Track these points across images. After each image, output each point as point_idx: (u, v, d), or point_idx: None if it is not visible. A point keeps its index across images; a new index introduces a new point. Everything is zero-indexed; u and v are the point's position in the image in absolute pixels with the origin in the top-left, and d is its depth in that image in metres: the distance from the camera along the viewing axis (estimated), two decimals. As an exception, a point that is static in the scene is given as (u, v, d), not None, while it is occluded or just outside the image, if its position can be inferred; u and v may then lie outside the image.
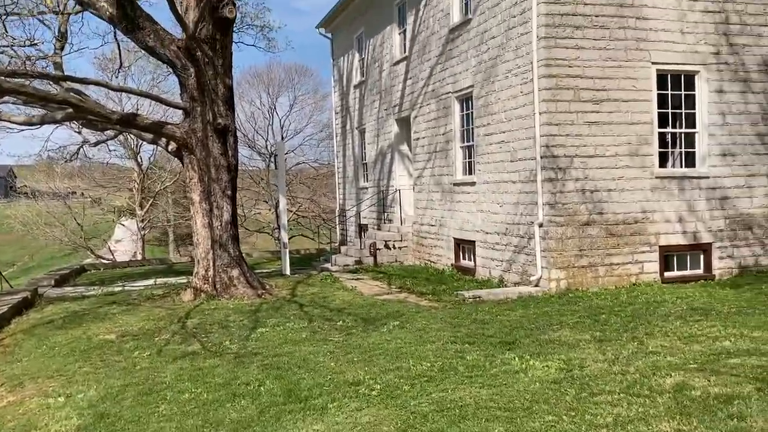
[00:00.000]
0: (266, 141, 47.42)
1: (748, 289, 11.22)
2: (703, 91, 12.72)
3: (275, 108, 48.30)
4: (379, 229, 19.96)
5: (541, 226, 12.06)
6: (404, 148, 19.31)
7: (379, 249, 17.68)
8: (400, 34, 19.01)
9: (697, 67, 12.65)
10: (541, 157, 11.99)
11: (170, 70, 13.75)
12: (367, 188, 21.91)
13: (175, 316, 11.39)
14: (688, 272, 12.76)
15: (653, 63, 12.40)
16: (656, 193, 12.46)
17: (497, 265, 13.65)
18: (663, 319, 9.07)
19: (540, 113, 11.98)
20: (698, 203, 12.70)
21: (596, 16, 12.09)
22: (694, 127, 12.82)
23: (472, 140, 14.76)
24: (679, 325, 8.63)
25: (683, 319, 8.98)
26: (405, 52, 18.47)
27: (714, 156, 12.80)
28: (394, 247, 18.00)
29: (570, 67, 12.00)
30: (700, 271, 12.81)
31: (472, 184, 14.67)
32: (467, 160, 15.26)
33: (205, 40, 13.02)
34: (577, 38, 12.01)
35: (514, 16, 12.78)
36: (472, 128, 14.71)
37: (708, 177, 12.76)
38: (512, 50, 12.90)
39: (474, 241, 14.64)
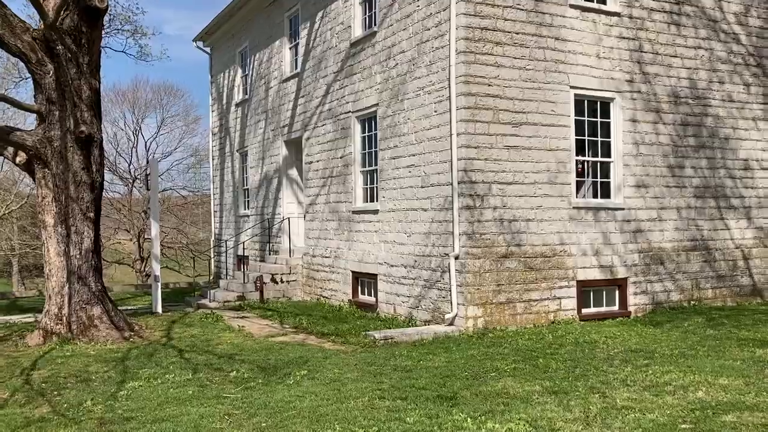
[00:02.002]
0: (129, 164, 43.81)
1: (671, 328, 10.61)
2: (618, 119, 12.25)
3: (141, 129, 44.83)
4: (263, 261, 18.11)
5: (457, 258, 10.90)
6: (294, 172, 17.71)
7: (266, 283, 15.85)
8: (291, 48, 17.54)
9: (612, 94, 12.17)
10: (459, 183, 10.89)
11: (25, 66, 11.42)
12: (248, 216, 20.01)
13: (16, 366, 9.07)
14: (604, 309, 12.08)
15: (571, 87, 11.76)
16: (573, 224, 11.73)
17: (404, 302, 12.33)
18: (607, 364, 8.08)
19: (457, 134, 10.92)
20: (614, 236, 12.11)
21: (516, 34, 11.29)
22: (610, 156, 12.29)
23: (376, 164, 13.48)
24: (631, 371, 7.65)
25: (630, 364, 8.02)
26: (297, 68, 17.01)
27: (628, 187, 12.31)
28: (282, 281, 16.24)
29: (489, 85, 11.06)
30: (616, 308, 12.17)
31: (375, 212, 13.34)
32: (369, 186, 13.94)
33: (69, 31, 10.89)
34: (497, 55, 11.12)
35: (428, 29, 11.73)
36: (376, 151, 13.45)
37: (623, 208, 12.23)
38: (425, 66, 11.82)
39: (376, 275, 13.25)
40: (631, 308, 12.14)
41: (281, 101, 17.76)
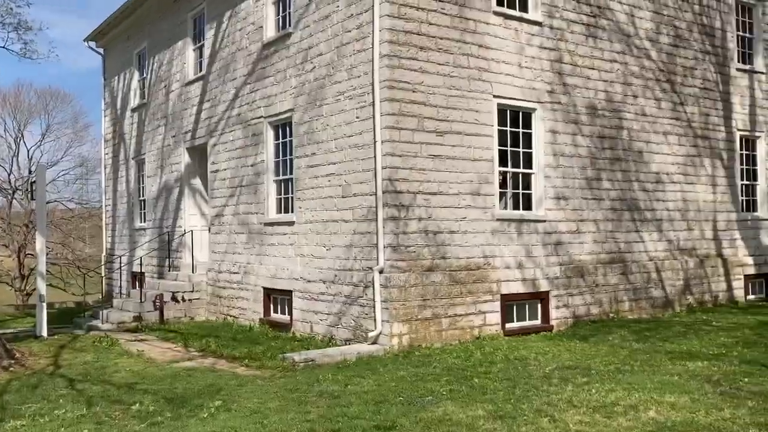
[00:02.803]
0: (9, 174, 40.41)
1: (597, 342, 10.43)
2: (539, 130, 12.07)
3: (23, 136, 41.49)
4: (162, 278, 16.78)
5: (381, 272, 10.27)
6: (197, 182, 16.56)
7: (166, 302, 14.61)
8: (195, 50, 16.44)
9: (534, 105, 12.00)
10: (383, 192, 10.29)
11: None
12: (145, 230, 18.57)
13: None
14: (527, 323, 11.80)
15: (495, 96, 11.48)
16: (497, 237, 11.40)
17: (322, 319, 11.56)
18: (546, 383, 7.66)
19: (382, 142, 10.33)
20: (535, 248, 11.89)
21: (441, 39, 10.88)
22: (531, 167, 12.09)
23: (291, 173, 12.67)
24: (573, 390, 7.26)
25: (570, 382, 7.64)
26: (202, 70, 15.94)
27: (549, 199, 12.15)
28: (184, 300, 15.03)
29: (414, 92, 10.57)
30: (538, 322, 11.93)
31: (291, 223, 12.52)
32: (284, 196, 13.10)
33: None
34: (422, 60, 10.66)
35: (349, 31, 11.12)
36: (292, 159, 12.65)
37: (544, 221, 12.04)
38: (346, 69, 11.19)
39: (291, 291, 12.41)
40: (553, 322, 11.94)
41: (184, 106, 16.59)
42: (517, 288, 11.56)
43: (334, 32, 11.50)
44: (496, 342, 10.59)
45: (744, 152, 15.61)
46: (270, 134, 13.34)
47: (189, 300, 15.09)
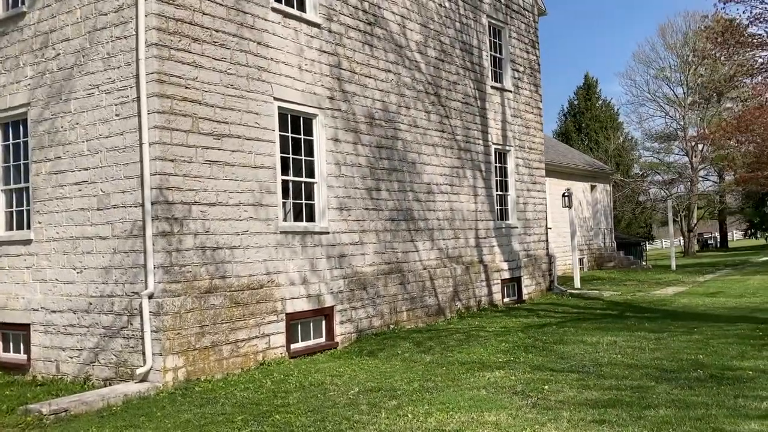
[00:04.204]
0: None
1: (388, 357, 10.03)
2: (321, 137, 11.45)
3: None
4: None
5: (151, 297, 8.76)
6: None
7: None
8: None
9: (315, 110, 11.35)
10: (153, 204, 8.81)
11: None
12: None
13: None
14: (312, 342, 11.05)
15: (276, 99, 10.59)
16: (281, 251, 10.50)
17: (73, 357, 9.60)
18: (355, 410, 6.96)
19: (150, 144, 8.86)
20: (320, 262, 11.22)
21: (216, 31, 9.71)
22: (314, 176, 11.41)
23: (27, 181, 10.45)
24: (388, 417, 6.64)
25: (380, 407, 7.02)
26: None
27: (332, 209, 11.57)
28: None
29: (188, 88, 9.26)
30: (323, 340, 11.25)
31: (27, 242, 10.30)
32: (17, 208, 10.77)
33: None
34: (196, 53, 9.39)
35: (105, 14, 9.43)
36: (27, 164, 10.43)
37: (328, 232, 11.42)
38: (101, 58, 9.47)
39: (28, 325, 10.18)
40: (338, 338, 11.35)
41: None
42: (302, 305, 10.77)
43: (84, 14, 9.69)
44: (284, 366, 9.68)
45: (498, 165, 16.65)
46: (-3, 134, 10.93)
47: None
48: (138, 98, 8.97)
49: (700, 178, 49.72)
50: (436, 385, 7.94)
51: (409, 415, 6.60)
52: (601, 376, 7.95)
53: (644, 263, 30.74)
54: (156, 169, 8.82)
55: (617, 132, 56.41)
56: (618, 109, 64.17)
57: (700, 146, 45.99)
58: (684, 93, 48.11)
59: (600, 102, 58.85)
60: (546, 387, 7.49)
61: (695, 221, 48.38)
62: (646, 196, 54.96)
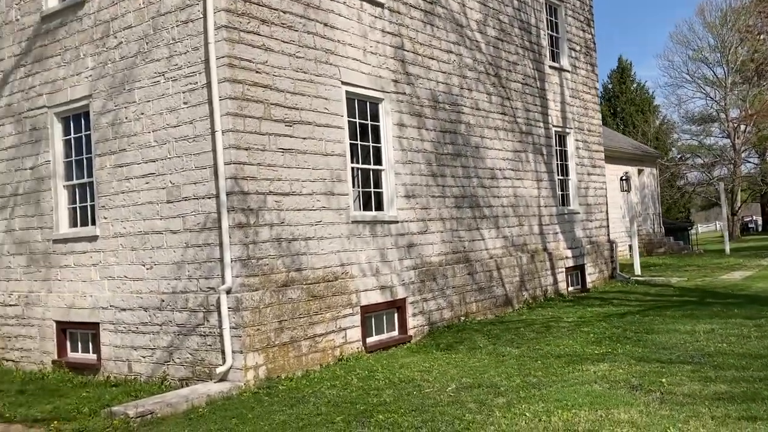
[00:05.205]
0: None
1: (469, 350, 9.54)
2: (387, 122, 10.96)
3: None
4: None
5: (229, 292, 8.36)
6: (-53, 192, 12.92)
7: None
8: (-61, 24, 12.82)
9: (381, 94, 10.86)
10: (228, 194, 8.40)
11: None
12: None
13: None
14: (385, 336, 10.60)
15: (343, 83, 10.12)
16: (352, 241, 10.05)
17: (146, 356, 9.26)
18: (464, 410, 6.48)
19: (223, 132, 8.44)
20: (390, 252, 10.75)
21: (284, 12, 9.26)
22: (381, 163, 10.92)
23: (90, 175, 10.12)
24: (505, 416, 6.15)
25: (491, 406, 6.54)
26: (-50, 50, 12.44)
27: (400, 197, 11.08)
28: (-62, 344, 11.52)
29: (258, 72, 8.82)
30: (396, 333, 10.79)
31: (92, 238, 9.98)
32: (80, 204, 10.45)
33: None
34: (265, 36, 8.95)
35: (170, -3, 9.03)
36: (90, 158, 10.10)
37: (397, 221, 10.95)
38: (166, 44, 9.07)
39: (97, 324, 9.87)
40: (411, 332, 10.88)
41: (-76, 95, 12.84)
42: (376, 297, 10.32)
43: (147, 0, 9.30)
44: (363, 362, 9.24)
45: (558, 148, 16.02)
46: (57, 128, 10.61)
47: (-56, 345, 11.59)
48: (208, 84, 8.56)
49: (742, 160, 48.35)
50: (539, 380, 7.43)
51: (527, 414, 6.10)
52: (717, 367, 7.38)
53: (695, 248, 29.84)
54: (230, 158, 8.40)
55: (654, 115, 55.13)
56: (653, 92, 62.82)
57: (742, 127, 44.68)
58: (724, 73, 46.75)
59: (635, 85, 57.55)
60: (664, 380, 6.94)
61: (739, 204, 47.10)
62: (685, 180, 53.70)
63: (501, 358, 8.84)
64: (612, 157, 25.77)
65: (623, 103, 55.76)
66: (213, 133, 8.49)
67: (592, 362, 8.09)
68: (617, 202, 25.24)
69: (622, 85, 56.99)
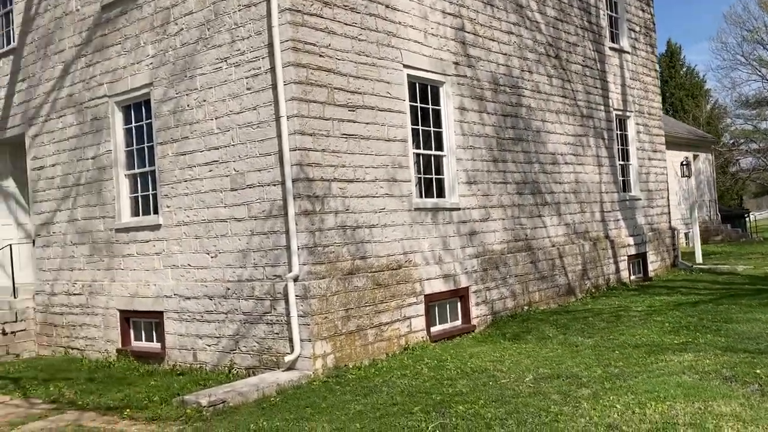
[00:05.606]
0: None
1: (540, 341, 9.25)
2: (448, 106, 10.68)
3: None
4: (-35, 306, 13.14)
5: (296, 280, 8.23)
6: (10, 184, 13.14)
7: (-19, 338, 11.24)
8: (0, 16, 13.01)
9: (442, 77, 10.58)
10: (294, 181, 8.24)
11: None
12: (-64, 247, 14.53)
13: None
14: (449, 325, 10.37)
15: (405, 66, 9.88)
16: (415, 229, 9.82)
17: (211, 345, 9.21)
18: (548, 401, 6.22)
19: (289, 117, 8.28)
20: (452, 240, 10.49)
21: (346, -6, 9.06)
22: (442, 149, 10.66)
23: (152, 164, 10.10)
24: (594, 408, 5.86)
25: (576, 397, 6.26)
26: (11, 42, 12.60)
27: (461, 184, 10.81)
28: (5, 333, 11.72)
29: (322, 56, 8.64)
30: (459, 323, 10.55)
31: (156, 227, 9.96)
32: (142, 193, 10.45)
33: None
34: (328, 18, 8.76)
35: (231, -18, 8.89)
36: (152, 146, 10.08)
37: (459, 208, 10.68)
38: (228, 30, 8.95)
39: (162, 312, 9.86)
40: (474, 321, 10.63)
41: (-13, 88, 13.04)
42: (439, 286, 10.08)
43: (207, -15, 9.19)
44: (430, 351, 9.03)
45: (618, 132, 15.51)
46: (118, 117, 10.62)
47: (11, 333, 11.78)
48: (272, 69, 8.40)
49: (799, 145, 46.49)
50: (621, 371, 7.11)
51: (618, 406, 5.81)
52: (813, 358, 6.96)
53: (754, 236, 28.83)
54: (296, 144, 8.25)
55: (705, 100, 53.46)
56: (704, 76, 60.90)
57: (800, 110, 42.99)
58: (782, 53, 44.97)
59: (684, 69, 55.89)
60: (758, 371, 6.56)
61: (796, 191, 45.35)
62: (737, 166, 51.98)
63: (574, 348, 8.53)
64: (667, 143, 24.98)
65: (672, 88, 54.20)
66: (278, 118, 8.35)
67: (674, 352, 7.73)
68: (672, 189, 24.47)
69: (672, 69, 55.38)
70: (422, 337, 9.61)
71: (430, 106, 10.48)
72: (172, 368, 9.41)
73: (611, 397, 6.07)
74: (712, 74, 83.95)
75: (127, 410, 7.29)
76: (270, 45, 8.42)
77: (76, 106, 11.22)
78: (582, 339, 9.00)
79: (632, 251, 15.28)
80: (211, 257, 9.24)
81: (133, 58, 10.22)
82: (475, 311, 10.69)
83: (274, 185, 8.46)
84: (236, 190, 8.90)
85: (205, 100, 9.25)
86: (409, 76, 9.96)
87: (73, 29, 11.23)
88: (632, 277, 15.18)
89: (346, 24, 8.98)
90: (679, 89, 54.26)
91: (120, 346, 10.50)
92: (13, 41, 12.49)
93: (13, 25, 12.60)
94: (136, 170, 10.46)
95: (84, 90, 11.05)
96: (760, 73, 47.00)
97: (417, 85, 10.21)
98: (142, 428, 6.67)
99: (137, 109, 10.38)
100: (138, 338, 10.49)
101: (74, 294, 11.31)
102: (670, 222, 17.39)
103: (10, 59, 12.52)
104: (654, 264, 16.14)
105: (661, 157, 17.16)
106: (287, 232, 8.29)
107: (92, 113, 10.93)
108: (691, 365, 7.03)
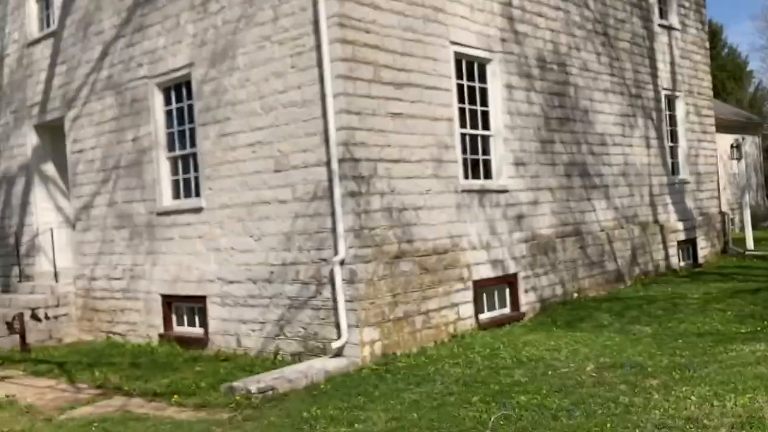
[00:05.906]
0: None
1: (595, 329, 8.89)
2: (495, 84, 10.29)
3: None
4: (7, 291, 13.20)
5: (343, 263, 7.97)
6: (50, 167, 13.10)
7: (25, 322, 11.22)
8: (39, 1, 12.91)
9: (489, 54, 10.18)
10: (340, 162, 7.97)
11: None
12: (-22, 232, 14.62)
13: None
14: (497, 312, 10.02)
15: (452, 42, 9.51)
16: (461, 212, 9.49)
17: (255, 330, 9.02)
18: (605, 389, 5.87)
19: (334, 95, 7.99)
20: (499, 224, 10.13)
21: (392, -32, 8.70)
22: (488, 128, 10.28)
23: (194, 146, 9.91)
24: (667, 401, 5.51)
25: (648, 389, 5.91)
26: (50, 25, 12.51)
27: (509, 165, 10.42)
28: (47, 318, 11.70)
29: (368, 33, 8.32)
30: (508, 310, 10.19)
31: (198, 210, 9.78)
32: (184, 176, 10.28)
33: None
34: (374, -7, 8.43)
35: (274, -44, 8.60)
36: (193, 128, 9.88)
37: (506, 191, 10.31)
38: (271, 6, 8.67)
39: (204, 297, 9.71)
40: (523, 308, 10.28)
41: (27, 72, 12.99)
42: (487, 272, 9.75)
43: (249, -40, 8.92)
44: (480, 339, 8.72)
45: (667, 112, 14.93)
46: (158, 99, 10.44)
47: (54, 317, 11.77)
48: (317, 46, 8.11)
49: None
50: (689, 360, 6.73)
51: (693, 398, 5.45)
52: None
53: (803, 221, 27.81)
54: (342, 124, 7.96)
55: (748, 81, 51.90)
56: (747, 57, 59.12)
57: None
58: (830, 33, 43.29)
59: (726, 50, 54.26)
60: None
61: (844, 174, 43.83)
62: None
63: (633, 336, 8.15)
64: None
65: (714, 69, 52.63)
66: (323, 97, 8.06)
67: (743, 342, 7.32)
68: (722, 172, 23.67)
69: (713, 50, 53.76)
70: (471, 325, 9.30)
71: (477, 84, 10.10)
72: (215, 354, 9.25)
73: (684, 389, 5.71)
74: (755, 54, 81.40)
75: (175, 396, 7.14)
76: (315, 21, 8.12)
77: (115, 87, 11.08)
78: (639, 327, 8.62)
79: (681, 236, 14.73)
80: (255, 240, 9.03)
81: (173, 38, 10.02)
82: (524, 298, 10.34)
83: (320, 166, 8.20)
84: (280, 171, 8.66)
85: (247, 80, 9.01)
86: (455, 53, 9.59)
87: (112, 10, 11.07)
88: (682, 264, 14.64)
89: (392, -1, 8.64)
90: (720, 70, 52.56)
91: (162, 330, 10.38)
92: (53, 24, 12.39)
93: (51, 8, 12.51)
94: (177, 152, 10.29)
95: (123, 71, 10.89)
96: (806, 53, 45.32)
97: (464, 62, 9.84)
98: (192, 415, 6.50)
99: (177, 90, 10.19)
100: (180, 323, 10.36)
101: (115, 278, 11.22)
102: (720, 206, 16.76)
103: (50, 42, 12.43)
104: (704, 250, 15.57)
105: (711, 138, 16.52)
106: (333, 214, 8.03)
107: (132, 95, 10.77)
108: (765, 355, 6.62)
